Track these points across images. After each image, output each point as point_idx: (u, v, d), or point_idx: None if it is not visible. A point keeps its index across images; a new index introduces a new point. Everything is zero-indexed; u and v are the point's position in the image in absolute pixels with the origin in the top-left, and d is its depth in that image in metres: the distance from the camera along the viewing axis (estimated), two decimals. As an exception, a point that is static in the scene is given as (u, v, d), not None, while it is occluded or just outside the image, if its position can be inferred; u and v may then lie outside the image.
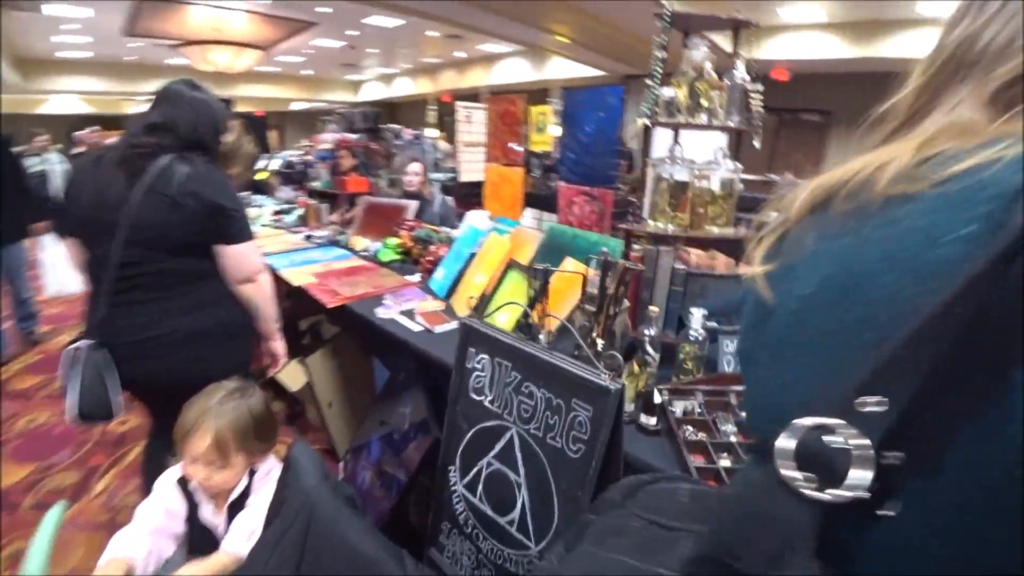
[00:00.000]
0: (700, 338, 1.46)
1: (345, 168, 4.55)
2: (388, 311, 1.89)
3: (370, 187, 4.07)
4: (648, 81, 1.45)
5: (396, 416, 2.12)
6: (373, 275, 2.44)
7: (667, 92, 1.46)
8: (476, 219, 2.93)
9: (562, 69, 11.05)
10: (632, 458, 1.20)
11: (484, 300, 1.78)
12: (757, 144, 1.54)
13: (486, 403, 1.22)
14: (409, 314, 1.90)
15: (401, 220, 2.76)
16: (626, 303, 1.41)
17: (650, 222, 1.58)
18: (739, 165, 1.52)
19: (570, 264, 1.84)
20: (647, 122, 1.44)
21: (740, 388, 1.40)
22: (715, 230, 1.57)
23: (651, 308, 1.43)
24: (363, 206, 3.35)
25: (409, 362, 1.99)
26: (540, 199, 4.43)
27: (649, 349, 1.43)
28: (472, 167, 4.16)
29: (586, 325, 1.39)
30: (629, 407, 1.28)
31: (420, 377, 1.97)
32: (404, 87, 16.35)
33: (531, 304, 1.45)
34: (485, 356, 1.22)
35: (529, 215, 3.95)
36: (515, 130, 4.02)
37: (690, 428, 1.26)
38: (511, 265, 1.74)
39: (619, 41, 8.50)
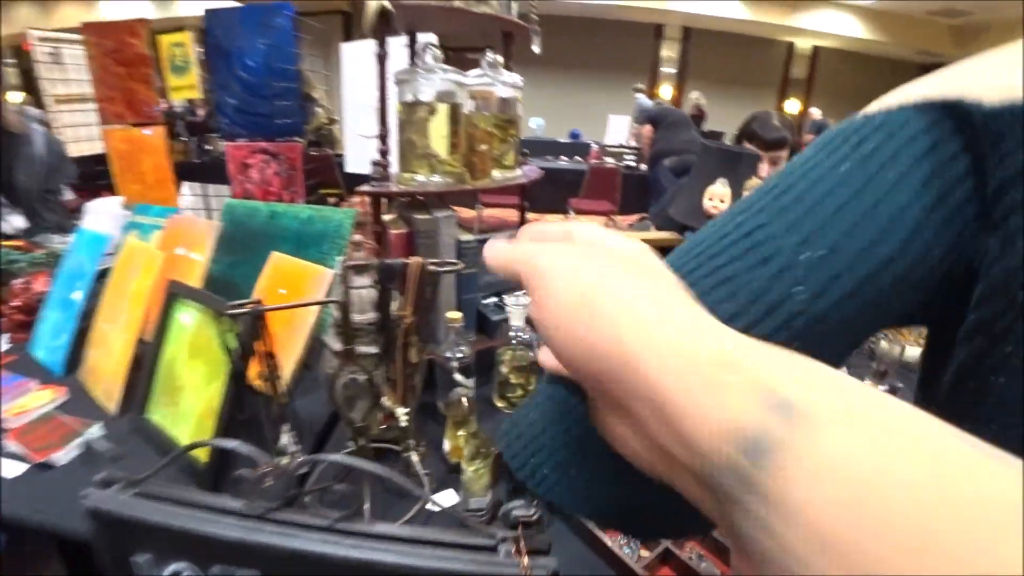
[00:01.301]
0: (526, 337, 0.98)
1: None
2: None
3: None
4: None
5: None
6: None
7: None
8: (100, 213, 1.88)
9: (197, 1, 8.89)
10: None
11: (145, 375, 0.97)
12: (537, 49, 1.08)
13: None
14: (-15, 434, 0.95)
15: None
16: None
17: (407, 176, 0.99)
18: (519, 78, 1.03)
19: (282, 265, 1.14)
20: (384, 3, 0.82)
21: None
22: (497, 174, 1.08)
23: (451, 316, 0.88)
24: None
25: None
26: (200, 169, 3.32)
27: (461, 379, 0.89)
28: (80, 134, 2.81)
29: (357, 379, 0.77)
30: (478, 501, 0.74)
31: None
32: (-57, 33, 11.36)
33: (237, 374, 0.75)
34: (182, 571, 0.51)
35: (188, 193, 2.88)
36: (141, 73, 2.81)
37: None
38: (175, 295, 0.96)
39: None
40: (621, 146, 6.54)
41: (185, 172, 3.06)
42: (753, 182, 1.28)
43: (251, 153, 2.61)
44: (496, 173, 1.07)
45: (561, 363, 0.21)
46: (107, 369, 1.08)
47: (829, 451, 0.14)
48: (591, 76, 9.96)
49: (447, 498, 0.80)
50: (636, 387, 0.17)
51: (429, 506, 0.78)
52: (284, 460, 0.74)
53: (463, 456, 0.71)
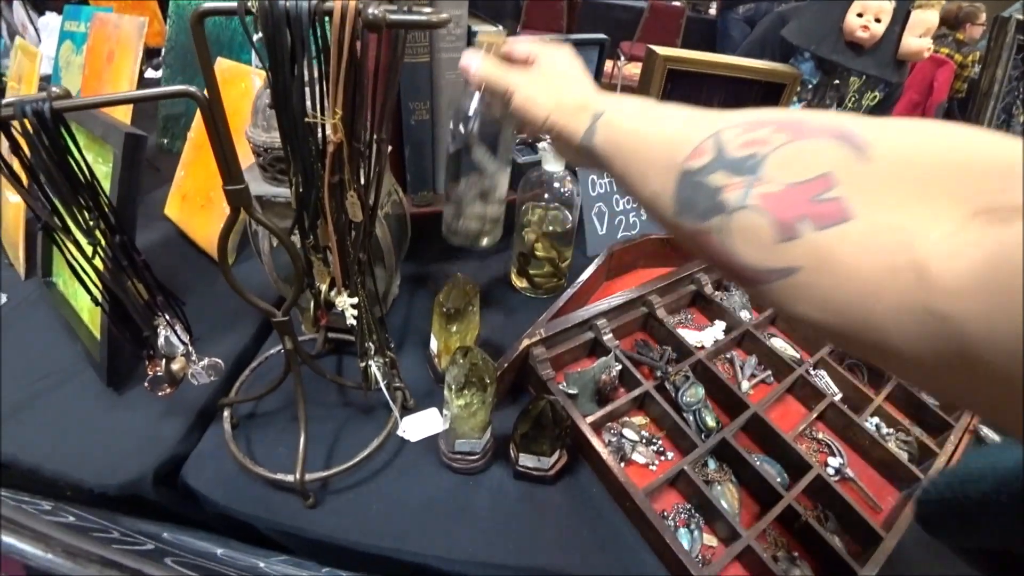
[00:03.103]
0: (566, 192, 0.65)
1: None
2: None
3: None
4: None
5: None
6: None
7: None
8: (53, 29, 1.57)
9: None
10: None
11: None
12: None
13: None
14: None
15: None
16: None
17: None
18: None
19: (226, 73, 0.81)
20: None
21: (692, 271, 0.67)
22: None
23: (486, 35, 0.52)
24: None
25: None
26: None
27: (481, 156, 0.51)
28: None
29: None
30: (468, 443, 0.47)
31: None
32: None
33: (110, 225, 0.46)
34: None
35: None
36: None
37: (626, 436, 0.52)
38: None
39: None
40: (689, -17, 5.55)
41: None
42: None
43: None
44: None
45: (515, 114, 0.39)
46: (10, 219, 0.82)
47: (610, 118, 0.33)
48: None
49: (428, 421, 0.54)
50: (550, 129, 0.37)
51: (400, 433, 0.53)
52: (176, 364, 0.49)
53: (451, 376, 0.43)
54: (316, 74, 0.31)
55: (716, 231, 0.24)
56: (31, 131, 0.33)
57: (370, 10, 0.28)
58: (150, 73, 1.55)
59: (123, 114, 0.88)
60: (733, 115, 0.26)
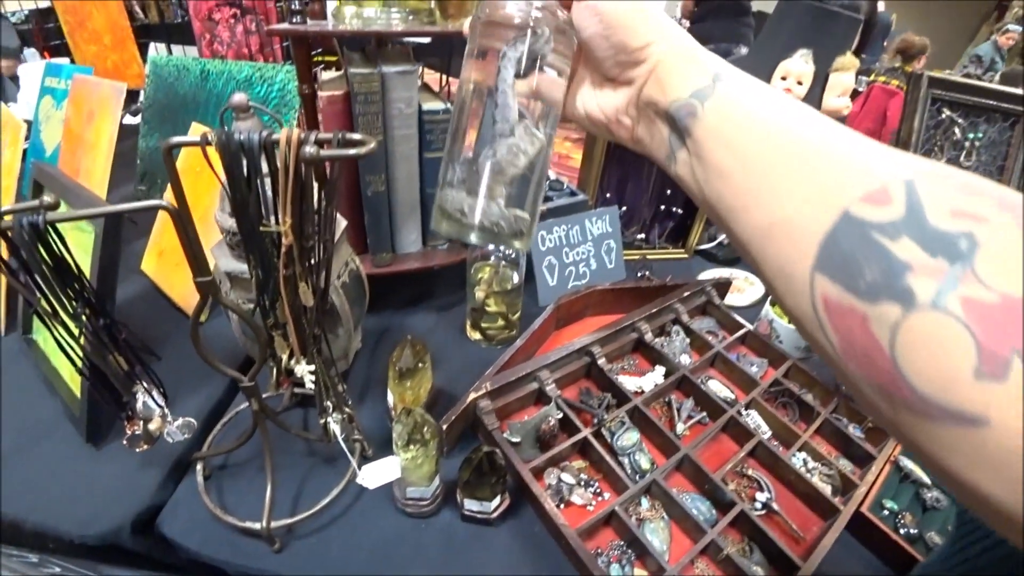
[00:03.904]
0: (512, 253, 0.72)
1: None
2: None
3: None
4: None
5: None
6: None
7: None
8: (31, 78, 1.62)
9: None
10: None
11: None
12: None
13: None
14: None
15: None
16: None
17: (347, 9, 0.68)
18: None
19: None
20: None
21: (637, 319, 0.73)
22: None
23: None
24: None
25: None
26: (179, 30, 2.88)
27: (521, 133, 0.32)
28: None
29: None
30: (418, 490, 0.53)
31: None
32: None
33: (88, 302, 0.51)
34: None
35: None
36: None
37: (563, 479, 0.57)
38: (40, 186, 0.69)
39: None
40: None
41: (161, 33, 2.66)
42: (848, 61, 0.92)
43: (217, 6, 2.21)
44: None
45: (604, 21, 0.28)
46: (-9, 272, 0.86)
47: (738, 88, 0.25)
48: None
49: (386, 469, 0.59)
50: (649, 59, 0.28)
51: (359, 481, 0.57)
52: (152, 424, 0.53)
53: (396, 433, 0.49)
54: (268, 189, 0.37)
55: (880, 321, 0.16)
56: (27, 239, 0.38)
57: (306, 148, 0.33)
58: (128, 119, 1.60)
59: (103, 167, 0.93)
60: (925, 161, 0.18)
